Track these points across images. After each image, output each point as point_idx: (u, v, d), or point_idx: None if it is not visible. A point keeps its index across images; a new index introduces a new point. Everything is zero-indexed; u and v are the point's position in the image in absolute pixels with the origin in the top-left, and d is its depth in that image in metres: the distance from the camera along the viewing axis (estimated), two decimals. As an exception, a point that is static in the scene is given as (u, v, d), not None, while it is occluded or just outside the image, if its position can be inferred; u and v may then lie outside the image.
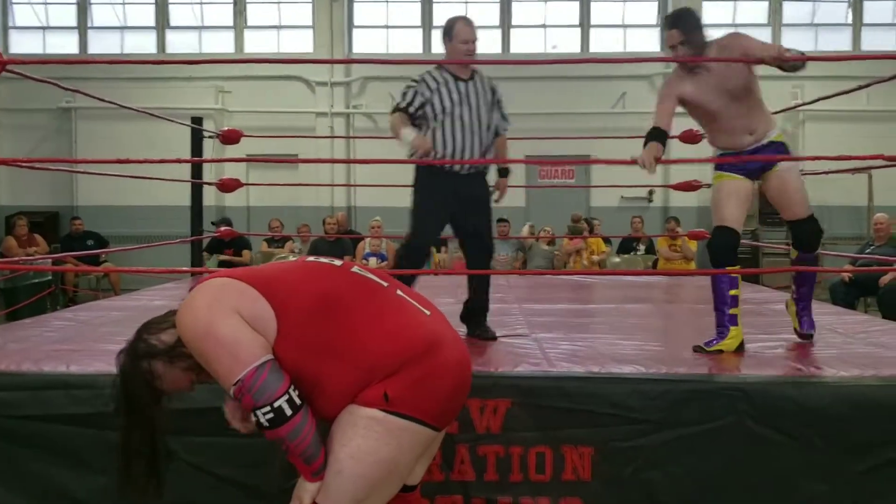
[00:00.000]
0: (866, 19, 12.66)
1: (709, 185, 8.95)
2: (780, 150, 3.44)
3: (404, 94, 3.79)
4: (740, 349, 3.34)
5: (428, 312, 2.00)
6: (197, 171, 7.04)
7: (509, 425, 2.76)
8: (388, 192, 10.69)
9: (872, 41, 12.54)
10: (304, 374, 1.88)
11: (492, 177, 4.06)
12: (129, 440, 2.00)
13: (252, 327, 1.86)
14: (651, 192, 12.10)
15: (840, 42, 12.57)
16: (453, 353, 1.95)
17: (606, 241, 10.01)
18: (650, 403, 2.75)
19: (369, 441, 1.84)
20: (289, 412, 1.83)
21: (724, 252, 3.44)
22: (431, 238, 4.00)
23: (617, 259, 10.02)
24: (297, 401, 1.85)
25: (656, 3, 12.84)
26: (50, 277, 8.51)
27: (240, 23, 12.72)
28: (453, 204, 3.77)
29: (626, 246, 10.48)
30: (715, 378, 2.84)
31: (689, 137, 6.76)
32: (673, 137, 6.94)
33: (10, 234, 9.73)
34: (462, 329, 3.74)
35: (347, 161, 12.36)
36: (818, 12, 12.65)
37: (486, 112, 3.81)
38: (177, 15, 12.90)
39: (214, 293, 1.91)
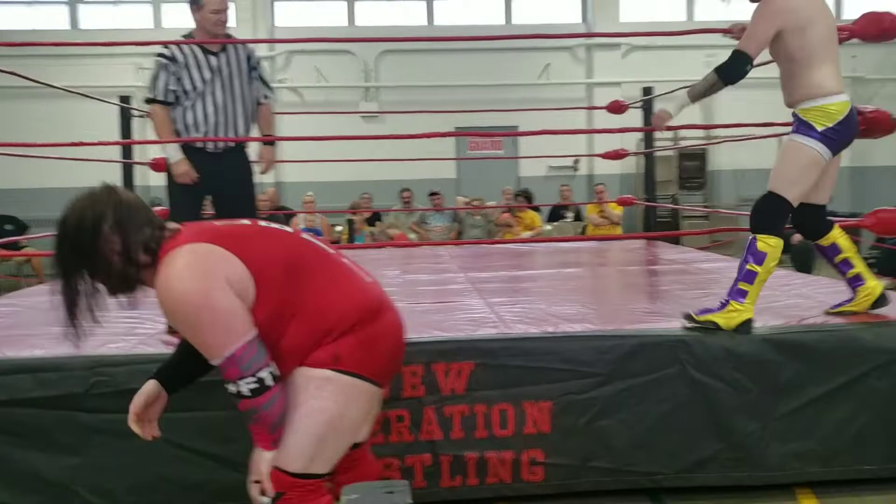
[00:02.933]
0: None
1: (634, 154, 9.28)
2: (793, 122, 3.17)
3: (154, 80, 3.59)
4: (879, 303, 3.24)
5: (370, 279, 2.14)
6: (126, 151, 6.94)
7: (473, 386, 2.93)
8: (318, 167, 10.71)
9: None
10: (267, 336, 1.96)
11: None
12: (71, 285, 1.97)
13: (238, 297, 1.92)
14: (577, 162, 12.43)
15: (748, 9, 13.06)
16: (395, 317, 2.13)
17: (537, 210, 10.27)
18: (601, 357, 2.96)
19: (321, 400, 1.95)
20: (270, 382, 1.92)
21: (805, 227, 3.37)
22: (190, 219, 3.77)
23: (548, 227, 10.31)
24: (277, 374, 1.95)
25: (577, -24, 13.09)
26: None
27: (157, -3, 12.42)
28: (209, 184, 3.60)
29: (556, 214, 10.78)
30: (658, 331, 3.08)
31: (615, 108, 7.06)
32: (600, 108, 7.25)
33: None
34: None
35: (273, 139, 12.27)
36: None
37: (243, 84, 3.63)
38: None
39: (203, 262, 1.90)
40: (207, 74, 3.55)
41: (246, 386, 1.90)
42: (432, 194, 10.26)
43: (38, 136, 7.77)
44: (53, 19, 12.37)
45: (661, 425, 2.95)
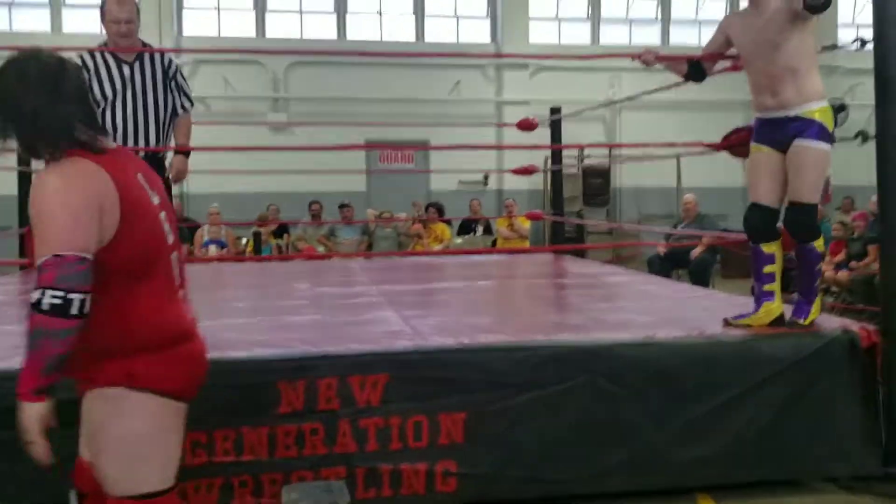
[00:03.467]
0: (674, 16, 13.84)
1: (543, 170, 9.49)
2: (802, 126, 3.21)
3: None
4: (777, 323, 3.42)
5: (190, 315, 2.08)
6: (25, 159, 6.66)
7: (388, 398, 2.95)
8: (224, 178, 10.50)
9: (679, 36, 13.73)
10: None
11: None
12: None
13: (99, 225, 1.82)
14: (486, 177, 12.62)
15: (651, 36, 13.64)
16: (199, 346, 2.08)
17: (448, 224, 10.38)
18: (514, 368, 3.03)
19: (123, 419, 1.89)
20: (73, 311, 1.74)
21: (757, 229, 3.41)
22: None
23: (459, 240, 10.42)
24: (85, 310, 1.77)
25: (486, -4, 13.36)
26: None
27: (57, 1, 11.96)
28: None
29: (466, 227, 10.91)
30: (568, 342, 3.17)
31: (526, 125, 7.22)
32: (511, 125, 7.41)
33: None
34: None
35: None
36: (632, 8, 13.65)
37: (157, 95, 3.60)
38: (-17, -11, 11.95)
39: (92, 180, 1.83)
40: (119, 84, 3.49)
41: (50, 298, 1.72)
42: (342, 206, 10.22)
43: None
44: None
45: (571, 434, 3.04)
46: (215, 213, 9.48)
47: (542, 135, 7.71)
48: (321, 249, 9.80)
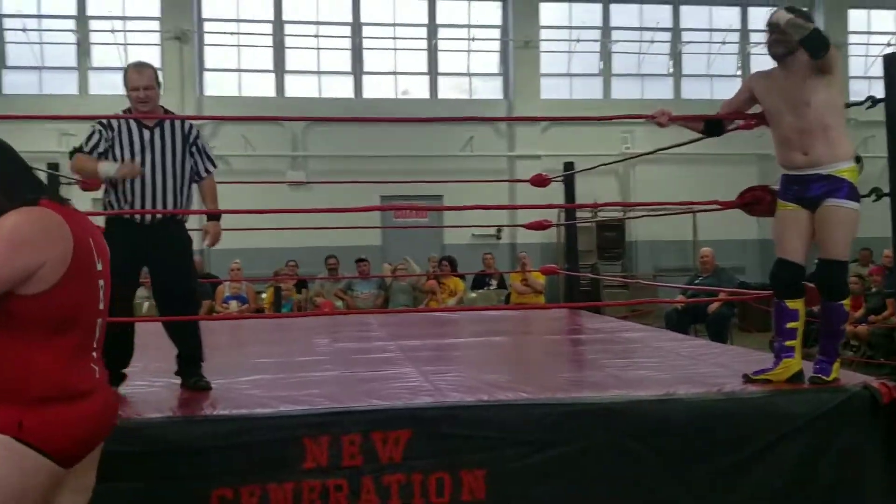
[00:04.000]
0: (685, 70, 14.06)
1: (558, 224, 9.58)
2: (833, 186, 3.27)
3: (88, 139, 3.67)
4: (795, 379, 3.43)
5: (98, 374, 2.08)
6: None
7: (410, 454, 2.99)
8: (244, 234, 10.65)
9: (691, 90, 13.94)
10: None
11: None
12: None
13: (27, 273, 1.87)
14: (499, 230, 12.74)
15: (663, 91, 13.86)
16: (96, 408, 2.04)
17: (462, 277, 10.45)
18: (533, 425, 3.07)
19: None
20: None
21: (784, 285, 3.44)
22: (128, 288, 3.65)
23: (473, 294, 10.48)
24: None
25: (498, 55, 13.64)
26: None
27: (84, 64, 12.34)
28: (141, 255, 3.61)
29: (480, 281, 10.97)
30: (588, 399, 3.21)
31: (539, 181, 7.34)
32: (524, 181, 7.54)
33: None
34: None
35: (200, 212, 12.18)
36: (644, 64, 13.89)
37: (176, 159, 3.68)
38: (15, 54, 12.34)
39: (47, 224, 1.90)
40: (137, 147, 3.59)
41: None
42: (358, 261, 10.33)
43: None
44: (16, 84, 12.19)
45: (592, 491, 3.06)
46: (236, 268, 9.60)
47: (556, 188, 7.83)
48: (339, 304, 9.88)
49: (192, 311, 3.85)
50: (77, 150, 3.69)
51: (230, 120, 12.04)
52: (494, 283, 11.06)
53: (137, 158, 3.58)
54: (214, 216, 3.88)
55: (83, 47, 12.35)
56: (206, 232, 3.87)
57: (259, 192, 11.06)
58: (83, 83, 12.40)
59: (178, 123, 3.73)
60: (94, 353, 2.09)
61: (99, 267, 2.06)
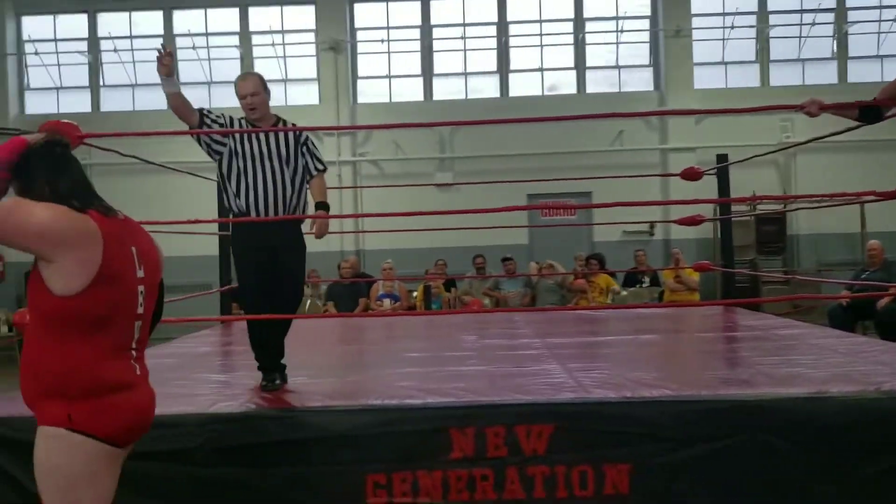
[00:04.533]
0: (851, 53, 13.20)
1: (711, 220, 9.24)
2: None
3: (214, 113, 3.87)
4: None
5: (139, 372, 2.25)
6: (223, 226, 7.38)
7: (553, 447, 3.07)
8: (396, 235, 11.08)
9: (858, 73, 13.07)
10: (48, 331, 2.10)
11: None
12: None
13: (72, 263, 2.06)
14: (652, 226, 12.48)
15: (826, 76, 13.09)
16: (142, 398, 2.24)
17: (612, 275, 10.35)
18: (677, 422, 3.07)
19: (56, 457, 2.10)
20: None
21: None
22: (252, 284, 3.86)
23: (624, 293, 10.35)
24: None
25: (647, 45, 13.37)
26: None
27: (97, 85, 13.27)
28: (262, 252, 3.80)
29: (632, 279, 10.82)
30: (735, 397, 3.17)
31: (691, 174, 7.17)
32: (675, 175, 7.38)
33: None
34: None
35: (354, 216, 12.73)
36: (804, 48, 13.17)
37: (290, 160, 3.87)
38: (185, 70, 13.39)
39: (74, 222, 2.08)
40: (257, 150, 3.84)
41: None
42: (504, 260, 10.46)
43: (138, 208, 8.32)
44: (152, 99, 13.30)
45: (738, 488, 3.03)
46: (389, 268, 9.99)
47: (712, 181, 7.61)
48: (487, 302, 10.06)
49: (294, 311, 3.97)
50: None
51: (380, 128, 12.48)
52: (647, 280, 10.88)
53: (256, 161, 3.80)
54: (324, 209, 4.03)
55: (246, 62, 13.20)
56: (314, 224, 4.04)
57: (409, 194, 11.45)
58: (95, 101, 13.31)
59: (290, 126, 3.98)
60: (134, 352, 2.24)
61: (140, 274, 2.20)
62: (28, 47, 13.45)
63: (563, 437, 3.08)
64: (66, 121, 3.67)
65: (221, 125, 3.86)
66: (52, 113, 13.03)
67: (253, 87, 3.84)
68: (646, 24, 13.34)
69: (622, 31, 13.22)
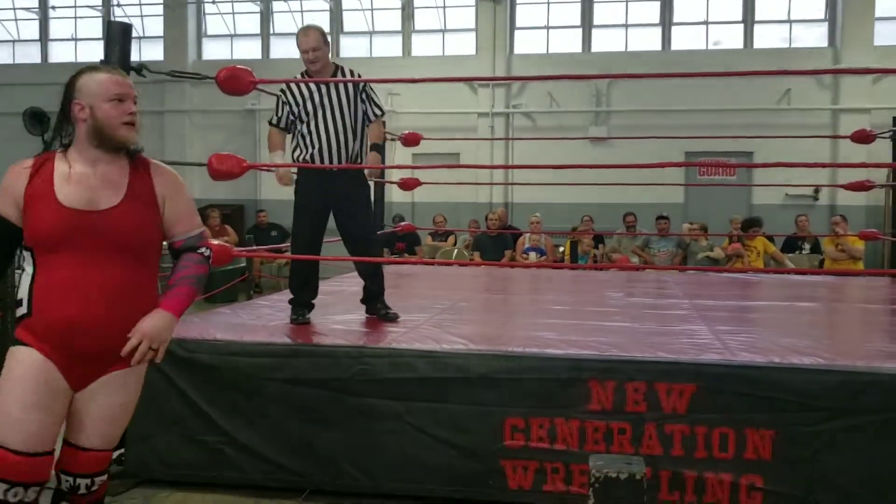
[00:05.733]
0: None
1: (881, 186, 8.65)
2: None
3: (276, 107, 4.14)
4: None
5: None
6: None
7: (694, 407, 3.06)
8: (543, 189, 11.06)
9: None
10: None
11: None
12: None
13: None
14: (817, 190, 11.80)
15: None
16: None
17: (771, 239, 9.91)
18: (829, 392, 2.98)
19: (138, 388, 2.36)
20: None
21: None
22: (310, 231, 4.16)
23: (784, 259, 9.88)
24: None
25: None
26: (243, 264, 9.32)
27: (407, 28, 13.43)
28: (327, 199, 4.08)
29: (791, 244, 10.32)
30: (891, 370, 3.03)
31: (862, 137, 6.72)
32: (844, 137, 6.94)
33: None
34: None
35: (505, 166, 12.78)
36: None
37: (350, 108, 4.06)
38: (348, 21, 13.78)
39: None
40: (318, 100, 4.06)
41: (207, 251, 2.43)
42: (660, 218, 10.22)
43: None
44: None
45: (885, 467, 2.91)
46: (537, 221, 10.02)
47: (886, 145, 7.11)
48: (635, 260, 9.90)
49: (375, 250, 4.29)
50: (270, 123, 4.21)
51: (535, 79, 12.39)
52: (808, 246, 10.33)
53: (319, 112, 4.03)
54: (377, 150, 4.23)
55: (407, 12, 13.41)
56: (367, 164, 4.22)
57: (562, 147, 11.37)
58: (407, 45, 13.50)
59: (350, 74, 4.16)
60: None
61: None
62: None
63: (704, 398, 3.06)
64: (240, 66, 4.01)
65: (290, 100, 4.10)
66: (226, 59, 13.84)
67: (315, 42, 4.03)
68: (825, -27, 12.42)
69: (798, -18, 12.39)
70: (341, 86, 4.10)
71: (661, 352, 3.31)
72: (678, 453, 3.07)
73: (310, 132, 4.08)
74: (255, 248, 9.56)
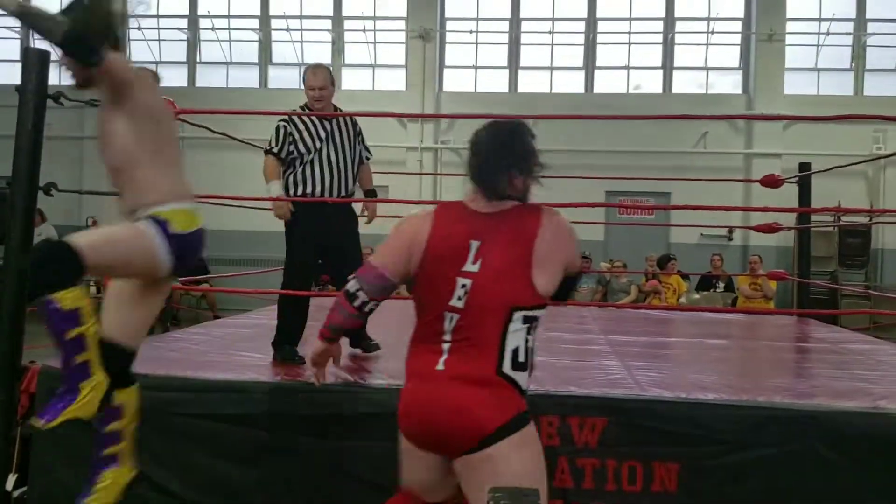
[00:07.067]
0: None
1: (787, 228, 9.12)
2: None
3: (276, 136, 4.11)
4: None
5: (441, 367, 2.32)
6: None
7: (605, 441, 3.16)
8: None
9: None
10: None
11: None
12: None
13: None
14: (731, 231, 12.27)
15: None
16: (415, 397, 2.32)
17: (685, 277, 10.25)
18: (730, 426, 3.12)
19: None
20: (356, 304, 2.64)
21: None
22: (306, 264, 4.18)
23: (696, 296, 10.25)
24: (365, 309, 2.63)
25: (738, 48, 13.10)
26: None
27: (337, 61, 13.52)
28: (325, 236, 4.10)
29: (706, 283, 10.70)
30: (791, 406, 3.19)
31: (771, 182, 7.05)
32: (755, 181, 7.27)
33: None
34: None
35: (432, 202, 12.91)
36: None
37: (349, 147, 4.16)
38: (278, 51, 13.80)
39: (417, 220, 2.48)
40: (323, 134, 4.11)
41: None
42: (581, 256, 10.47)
43: (217, 183, 8.70)
44: (244, 77, 13.78)
45: (786, 497, 3.06)
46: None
47: (793, 189, 7.46)
48: (557, 296, 10.09)
49: None
50: (268, 152, 4.17)
51: (464, 117, 12.61)
52: (722, 285, 10.73)
53: (323, 149, 4.08)
54: (373, 196, 4.40)
55: (338, 45, 13.51)
56: (366, 209, 4.39)
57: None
58: (338, 78, 13.55)
59: (346, 117, 4.22)
60: (444, 345, 2.27)
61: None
62: (131, 22, 14.08)
63: (615, 432, 3.16)
64: (164, 97, 3.97)
65: (294, 131, 4.11)
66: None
67: (322, 81, 4.11)
68: (738, 26, 13.07)
69: (713, 33, 13.00)
70: (343, 126, 4.17)
71: (573, 386, 3.40)
72: (588, 486, 3.15)
73: (313, 168, 4.10)
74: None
